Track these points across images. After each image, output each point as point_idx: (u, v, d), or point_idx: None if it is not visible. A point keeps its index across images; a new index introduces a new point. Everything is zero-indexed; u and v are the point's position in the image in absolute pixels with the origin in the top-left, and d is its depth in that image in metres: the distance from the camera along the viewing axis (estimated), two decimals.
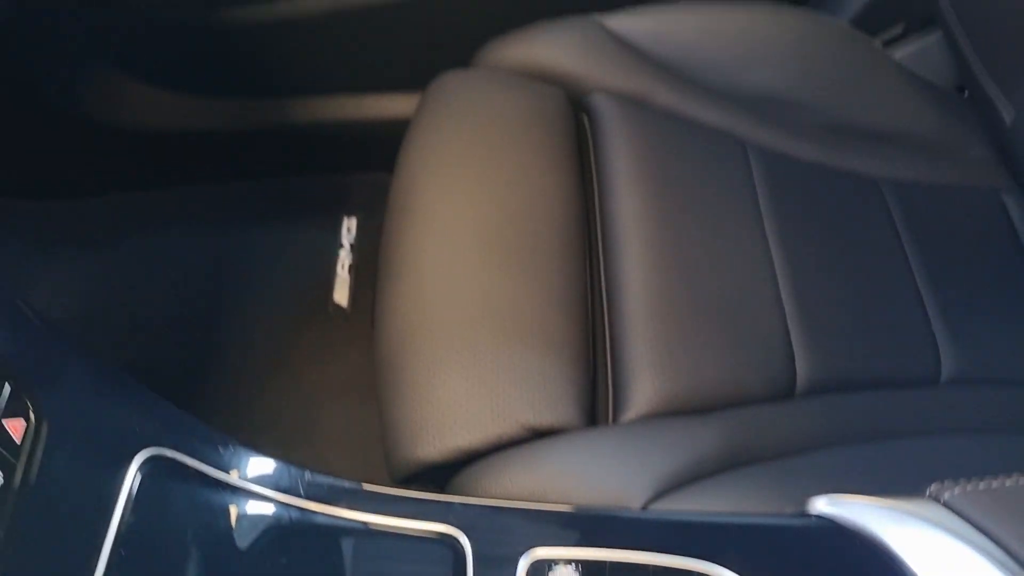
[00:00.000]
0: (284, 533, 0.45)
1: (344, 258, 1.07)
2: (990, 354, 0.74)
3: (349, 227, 1.10)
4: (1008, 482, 0.43)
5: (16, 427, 0.40)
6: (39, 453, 0.40)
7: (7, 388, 0.41)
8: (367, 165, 1.14)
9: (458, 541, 0.45)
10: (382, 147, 1.05)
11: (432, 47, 1.01)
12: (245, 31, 1.04)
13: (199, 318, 1.02)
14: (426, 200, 0.76)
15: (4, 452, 0.39)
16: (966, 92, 0.94)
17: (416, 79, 0.97)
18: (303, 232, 1.11)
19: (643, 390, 0.65)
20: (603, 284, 0.73)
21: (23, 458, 0.40)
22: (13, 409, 0.41)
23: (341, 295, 1.03)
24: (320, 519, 0.45)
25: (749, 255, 0.75)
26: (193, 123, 1.10)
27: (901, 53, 0.96)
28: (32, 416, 0.41)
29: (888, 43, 0.98)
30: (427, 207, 0.76)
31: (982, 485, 0.43)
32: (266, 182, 1.15)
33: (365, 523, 0.46)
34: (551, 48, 0.89)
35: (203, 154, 1.13)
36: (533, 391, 0.64)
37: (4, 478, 0.38)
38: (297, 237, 1.11)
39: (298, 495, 0.46)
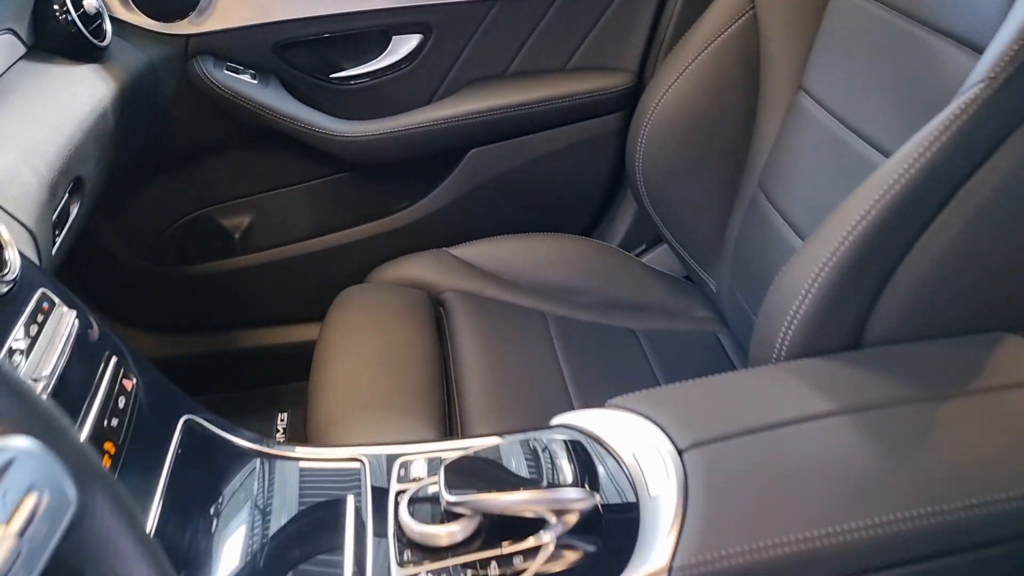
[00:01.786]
0: (259, 468, 0.82)
1: (279, 439, 1.45)
2: None
3: (282, 419, 1.49)
4: (659, 390, 0.82)
5: (129, 384, 0.78)
6: (141, 399, 0.78)
7: (124, 363, 0.79)
8: (295, 376, 1.55)
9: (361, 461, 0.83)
10: (306, 362, 1.47)
11: (339, 279, 1.47)
12: (204, 279, 1.49)
13: None
14: (340, 351, 1.19)
15: (123, 397, 0.77)
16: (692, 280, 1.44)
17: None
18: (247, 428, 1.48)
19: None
20: (455, 389, 1.14)
21: (130, 403, 0.78)
22: (125, 374, 0.79)
23: None
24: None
25: (546, 367, 1.18)
26: (159, 353, 1.51)
27: (648, 259, 1.47)
28: (134, 380, 0.79)
29: (639, 254, 1.49)
30: (340, 354, 1.18)
31: (640, 393, 0.82)
32: (215, 396, 1.54)
33: (306, 457, 0.84)
34: (417, 268, 1.36)
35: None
36: (406, 438, 1.03)
37: (128, 405, 0.76)
38: None
39: (268, 446, 0.84)
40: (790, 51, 1.18)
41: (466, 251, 1.39)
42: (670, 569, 0.65)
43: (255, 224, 1.49)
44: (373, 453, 0.83)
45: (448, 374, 1.18)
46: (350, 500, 0.78)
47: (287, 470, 0.84)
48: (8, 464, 0.34)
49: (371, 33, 1.37)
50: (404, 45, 1.38)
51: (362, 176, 1.47)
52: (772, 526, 0.67)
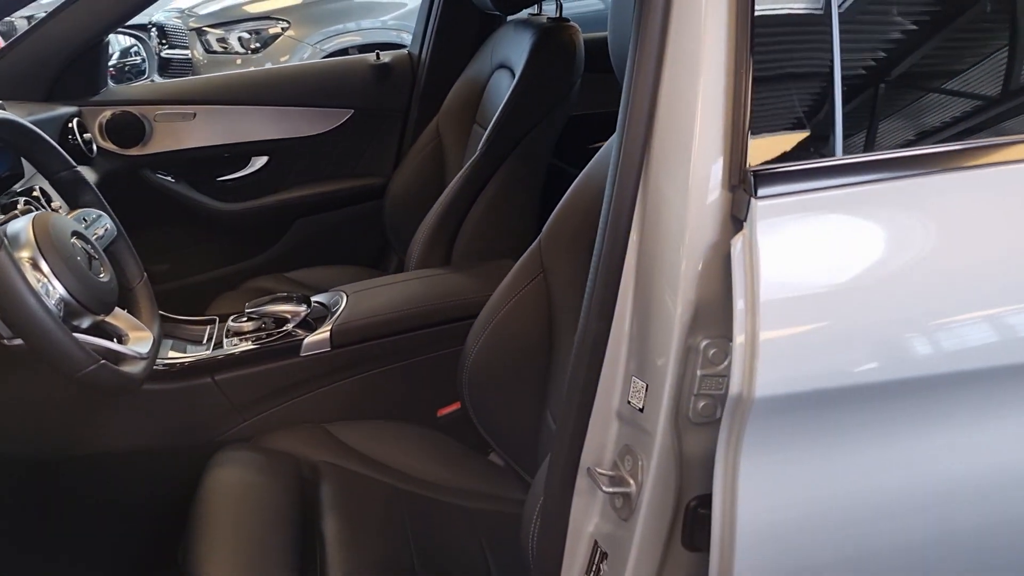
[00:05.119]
0: None
1: None
2: None
3: None
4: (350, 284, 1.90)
5: None
6: None
7: None
8: None
9: None
10: None
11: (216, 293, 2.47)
12: None
13: None
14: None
15: None
16: None
17: None
18: None
19: None
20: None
21: None
22: None
23: None
24: None
25: None
26: None
27: None
28: None
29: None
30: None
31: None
32: None
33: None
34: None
35: None
36: None
37: None
38: None
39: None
40: (457, 149, 2.31)
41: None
42: (331, 328, 1.70)
43: (171, 268, 2.52)
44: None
45: None
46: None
47: None
48: None
49: (240, 155, 2.47)
50: (259, 161, 2.49)
51: (233, 236, 2.53)
52: (376, 310, 1.73)
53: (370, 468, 1.61)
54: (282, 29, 5.24)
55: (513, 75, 2.05)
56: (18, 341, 1.19)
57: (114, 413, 1.60)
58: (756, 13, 0.91)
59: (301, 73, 2.57)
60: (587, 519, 1.06)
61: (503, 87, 2.10)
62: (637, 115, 0.96)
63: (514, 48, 2.07)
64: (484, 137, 1.91)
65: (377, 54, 2.50)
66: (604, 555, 1.04)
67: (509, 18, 2.31)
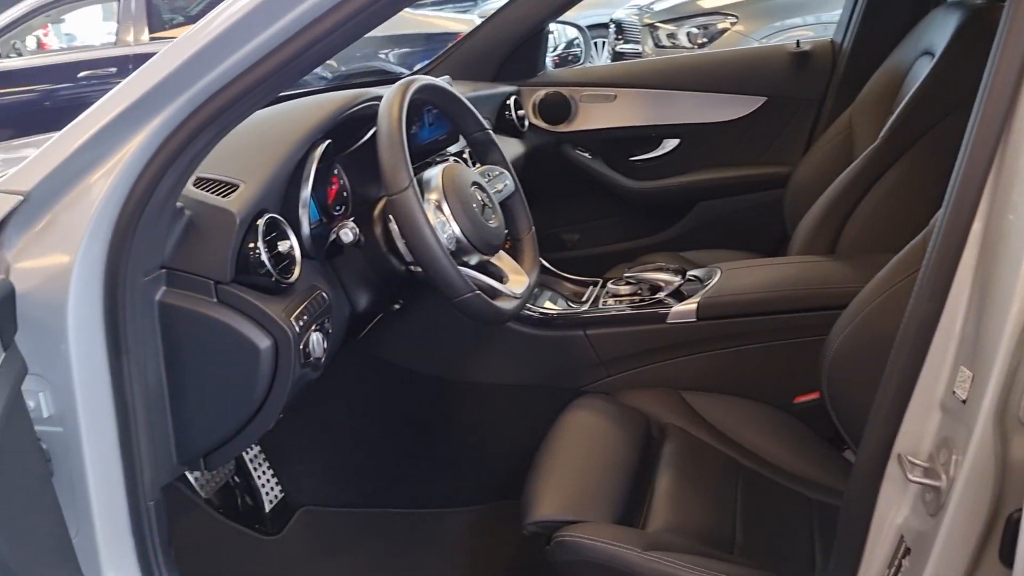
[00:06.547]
0: None
1: None
2: None
3: None
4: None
5: None
6: None
7: None
8: None
9: None
10: None
11: (611, 263, 2.64)
12: None
13: None
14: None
15: None
16: None
17: None
18: None
19: None
20: None
21: None
22: None
23: None
24: None
25: None
26: None
27: None
28: None
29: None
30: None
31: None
32: None
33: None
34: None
35: None
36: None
37: None
38: None
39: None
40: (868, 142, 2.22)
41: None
42: (699, 301, 1.75)
43: (581, 237, 2.75)
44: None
45: None
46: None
47: None
48: None
49: (653, 136, 2.61)
50: (670, 143, 2.60)
51: (638, 212, 2.68)
52: (745, 289, 1.75)
53: (715, 439, 1.64)
54: (730, 24, 5.32)
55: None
56: (420, 268, 1.42)
57: (496, 349, 1.83)
58: None
59: (718, 60, 2.63)
60: (895, 509, 1.01)
61: (922, 76, 1.97)
62: (999, 90, 0.89)
63: (939, 32, 1.92)
64: (888, 124, 1.82)
65: (798, 42, 2.47)
66: (907, 550, 0.98)
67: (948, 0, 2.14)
